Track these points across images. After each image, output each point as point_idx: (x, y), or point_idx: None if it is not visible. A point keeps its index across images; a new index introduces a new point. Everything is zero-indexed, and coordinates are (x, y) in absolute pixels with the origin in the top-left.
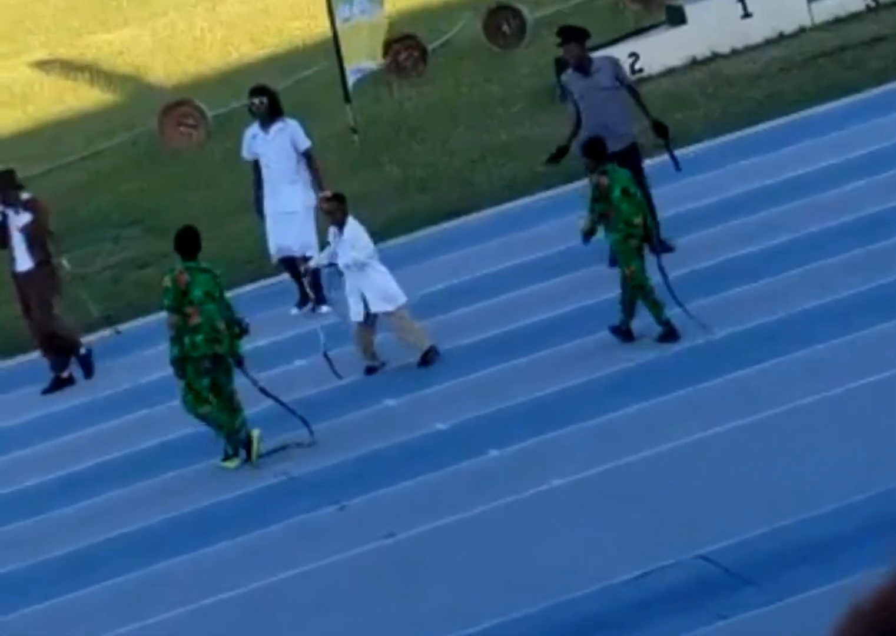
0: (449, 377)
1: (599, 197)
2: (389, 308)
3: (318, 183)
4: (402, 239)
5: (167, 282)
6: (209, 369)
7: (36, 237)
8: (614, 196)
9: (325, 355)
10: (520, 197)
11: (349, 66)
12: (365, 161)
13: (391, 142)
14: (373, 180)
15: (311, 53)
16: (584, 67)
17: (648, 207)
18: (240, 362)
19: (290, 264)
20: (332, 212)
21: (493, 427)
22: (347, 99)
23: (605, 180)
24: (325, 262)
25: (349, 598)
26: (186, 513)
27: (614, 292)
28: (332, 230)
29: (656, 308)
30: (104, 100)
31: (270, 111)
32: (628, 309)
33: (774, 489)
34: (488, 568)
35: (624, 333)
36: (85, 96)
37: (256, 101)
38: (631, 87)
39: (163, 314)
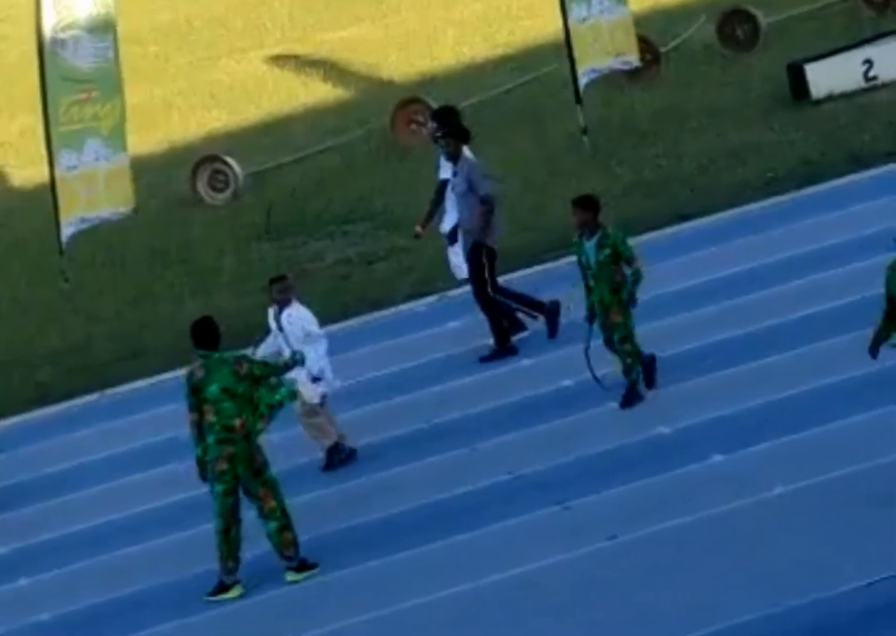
0: (674, 380)
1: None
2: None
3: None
4: (631, 242)
5: (183, 378)
6: (227, 471)
7: None
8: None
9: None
10: (750, 202)
11: (582, 67)
12: (595, 163)
13: (621, 144)
14: (602, 182)
15: (543, 53)
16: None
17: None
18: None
19: None
20: (275, 294)
21: (719, 432)
22: (578, 100)
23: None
24: (271, 350)
25: (568, 600)
26: (408, 509)
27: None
28: (272, 311)
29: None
30: (336, 96)
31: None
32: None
33: None
34: (710, 572)
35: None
36: (317, 92)
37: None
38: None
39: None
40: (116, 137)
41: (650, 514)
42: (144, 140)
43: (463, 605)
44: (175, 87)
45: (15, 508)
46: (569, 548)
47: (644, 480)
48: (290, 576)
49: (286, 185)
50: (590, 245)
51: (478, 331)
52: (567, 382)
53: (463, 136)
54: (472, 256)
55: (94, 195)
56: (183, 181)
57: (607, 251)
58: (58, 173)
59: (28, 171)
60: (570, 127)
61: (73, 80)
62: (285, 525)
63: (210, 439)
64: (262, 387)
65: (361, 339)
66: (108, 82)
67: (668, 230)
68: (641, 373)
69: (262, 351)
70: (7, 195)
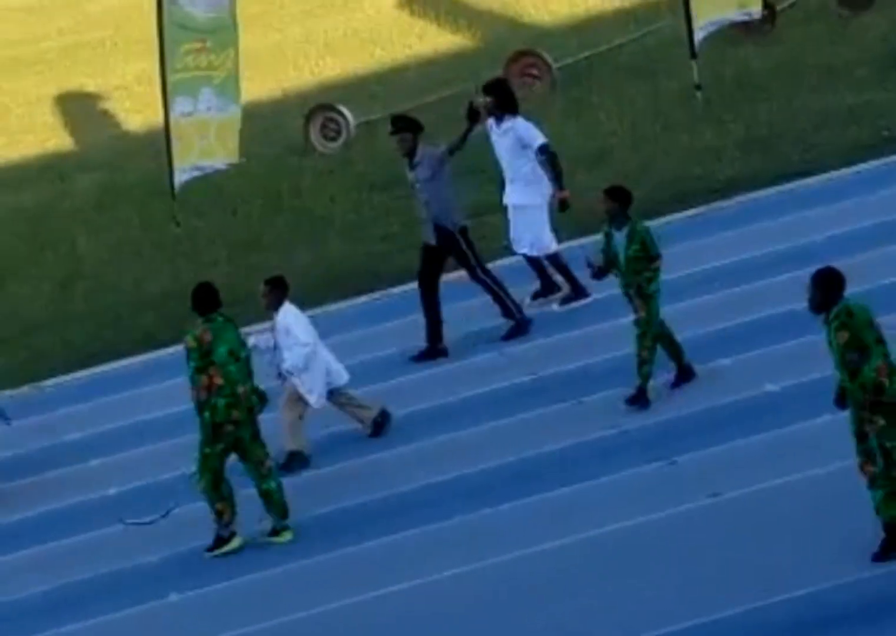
0: (785, 338)
1: None
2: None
3: (557, 181)
4: (743, 198)
5: (191, 342)
6: (230, 433)
7: None
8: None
9: None
10: (863, 161)
11: (700, 21)
12: (707, 118)
13: (735, 100)
14: (715, 138)
15: (659, 7)
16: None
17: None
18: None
19: (531, 259)
20: (263, 296)
21: (827, 391)
22: (693, 55)
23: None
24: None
25: (669, 555)
26: (512, 461)
27: None
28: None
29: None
30: (450, 46)
31: (500, 108)
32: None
33: None
34: (810, 532)
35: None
36: (431, 42)
37: (482, 100)
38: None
39: None
40: (229, 89)
41: (754, 472)
42: (257, 87)
43: (566, 556)
44: (289, 34)
45: (100, 457)
46: (670, 504)
47: (749, 438)
48: (285, 537)
49: None
50: (619, 236)
51: (585, 285)
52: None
53: (417, 129)
54: (452, 244)
55: (207, 144)
56: (295, 129)
57: (637, 246)
58: (172, 120)
59: (143, 116)
60: (683, 82)
61: (189, 29)
62: (281, 484)
63: (220, 402)
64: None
65: (472, 291)
66: (223, 34)
67: (780, 187)
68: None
69: (254, 341)
70: (122, 139)
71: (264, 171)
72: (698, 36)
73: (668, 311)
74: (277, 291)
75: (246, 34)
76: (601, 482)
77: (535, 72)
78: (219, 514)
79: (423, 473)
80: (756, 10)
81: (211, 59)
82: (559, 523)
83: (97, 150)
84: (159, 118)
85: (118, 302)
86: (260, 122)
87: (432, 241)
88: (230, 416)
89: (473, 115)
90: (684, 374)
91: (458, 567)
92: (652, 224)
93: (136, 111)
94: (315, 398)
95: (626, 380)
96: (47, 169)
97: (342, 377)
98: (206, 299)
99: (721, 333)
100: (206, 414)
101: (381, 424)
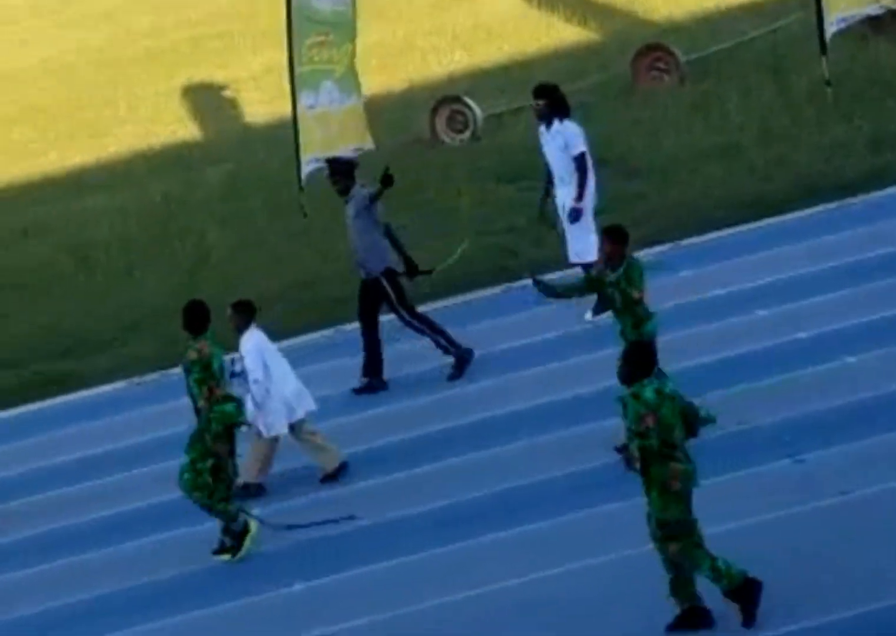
0: None
1: None
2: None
3: (578, 190)
4: (871, 195)
5: (193, 354)
6: (220, 452)
7: None
8: None
9: None
10: None
11: (831, 17)
12: (837, 114)
13: (865, 97)
14: (844, 134)
15: (787, 2)
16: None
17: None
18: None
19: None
20: (229, 320)
21: None
22: (823, 51)
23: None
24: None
25: (796, 552)
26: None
27: None
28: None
29: None
30: (578, 39)
31: (551, 113)
32: None
33: None
34: None
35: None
36: (559, 35)
37: (533, 103)
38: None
39: None
40: (348, 82)
41: (888, 470)
42: (385, 79)
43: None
44: (418, 26)
45: None
46: (796, 502)
47: (880, 436)
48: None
49: (524, 127)
50: (614, 277)
51: (709, 281)
52: (801, 334)
53: (350, 169)
54: (374, 286)
55: (329, 136)
56: (422, 121)
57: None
58: (299, 111)
59: (270, 107)
60: (812, 77)
61: (314, 22)
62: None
63: (229, 406)
64: None
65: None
66: (344, 27)
67: None
68: None
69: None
70: (249, 130)
71: (391, 163)
72: (829, 31)
73: (793, 307)
74: (242, 315)
75: (374, 26)
76: (729, 478)
77: (663, 65)
78: (227, 520)
79: (490, 482)
80: (890, 2)
81: (332, 52)
82: None
83: (225, 141)
84: (286, 109)
85: (245, 293)
86: (387, 114)
87: (363, 277)
88: (242, 418)
89: (387, 181)
90: None
91: (532, 574)
92: (780, 219)
93: (264, 102)
94: (269, 429)
95: (751, 375)
96: (176, 159)
97: (308, 406)
98: (199, 317)
99: (847, 331)
100: (214, 423)
101: (333, 475)
